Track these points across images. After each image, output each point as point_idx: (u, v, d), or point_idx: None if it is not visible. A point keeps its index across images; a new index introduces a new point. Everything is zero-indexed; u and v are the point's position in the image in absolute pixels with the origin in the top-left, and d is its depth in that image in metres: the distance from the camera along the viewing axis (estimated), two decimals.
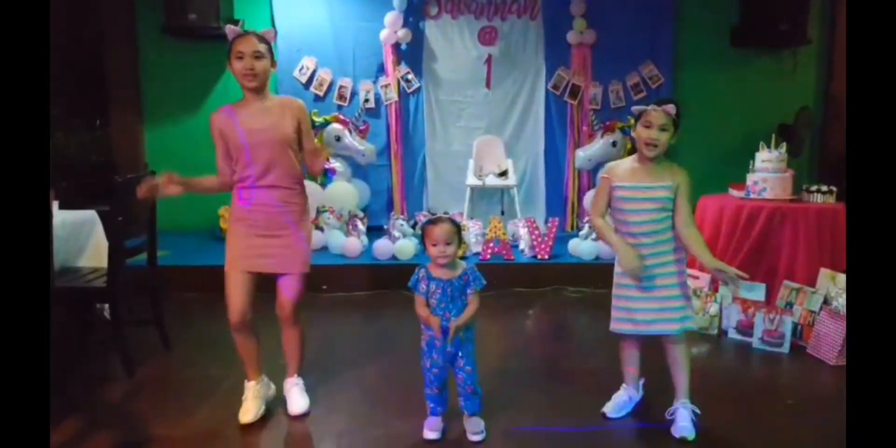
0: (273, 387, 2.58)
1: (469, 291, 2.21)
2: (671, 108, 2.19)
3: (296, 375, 2.56)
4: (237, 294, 2.36)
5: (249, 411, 2.41)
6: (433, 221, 2.20)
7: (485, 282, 2.24)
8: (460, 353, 2.24)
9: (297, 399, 2.50)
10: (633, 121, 2.33)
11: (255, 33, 2.32)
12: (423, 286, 2.23)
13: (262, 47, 2.27)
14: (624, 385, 2.52)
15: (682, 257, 2.30)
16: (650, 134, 2.17)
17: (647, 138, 2.18)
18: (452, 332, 2.17)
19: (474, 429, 2.29)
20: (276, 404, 2.55)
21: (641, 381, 2.56)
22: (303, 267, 2.40)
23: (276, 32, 2.98)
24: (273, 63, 2.34)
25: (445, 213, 2.44)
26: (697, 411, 2.35)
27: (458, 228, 2.22)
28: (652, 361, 2.50)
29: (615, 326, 2.36)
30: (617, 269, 2.33)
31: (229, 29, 2.32)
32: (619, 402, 2.49)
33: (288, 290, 2.40)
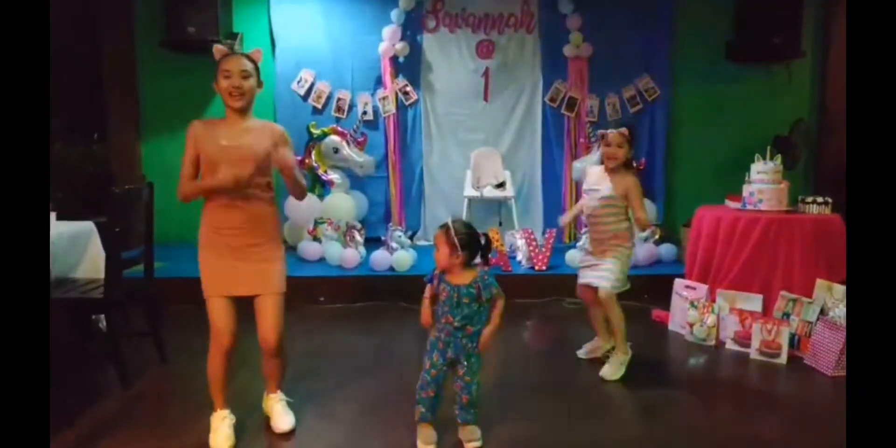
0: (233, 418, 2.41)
1: (487, 301, 2.23)
2: (624, 130, 2.94)
3: (278, 391, 2.50)
4: (222, 318, 2.26)
5: (227, 437, 2.30)
6: (439, 227, 2.26)
7: (495, 289, 2.25)
8: (464, 362, 2.24)
9: (282, 416, 2.44)
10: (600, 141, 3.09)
11: (242, 53, 2.32)
12: (435, 283, 2.26)
13: (249, 67, 2.26)
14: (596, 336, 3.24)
15: (620, 243, 3.01)
16: (609, 150, 2.96)
17: (607, 153, 2.97)
18: (485, 342, 2.25)
19: (469, 436, 2.29)
20: (264, 420, 2.52)
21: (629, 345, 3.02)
22: (280, 286, 2.33)
23: (275, 46, 2.97)
24: (259, 83, 2.31)
25: (456, 220, 2.31)
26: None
27: (448, 236, 2.19)
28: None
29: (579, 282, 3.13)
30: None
31: (216, 49, 2.31)
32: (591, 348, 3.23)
33: (268, 314, 2.30)
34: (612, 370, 2.94)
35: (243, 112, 2.30)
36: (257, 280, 2.29)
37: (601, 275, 2.96)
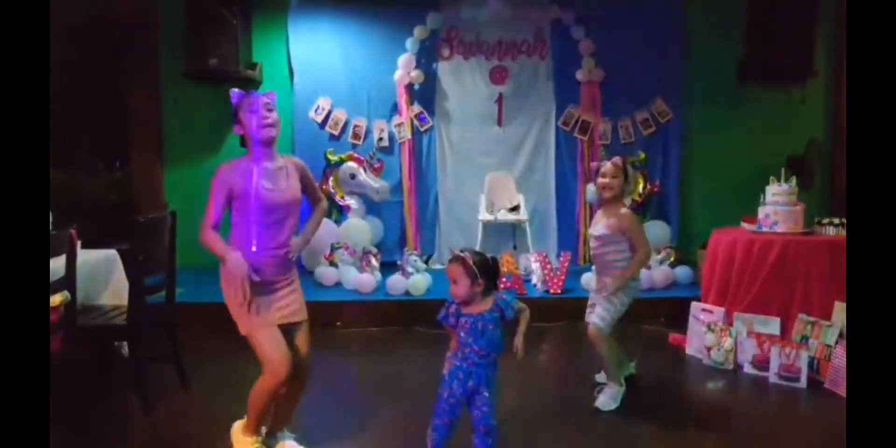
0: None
1: (509, 317, 2.24)
2: (618, 160, 2.96)
3: (286, 428, 2.47)
4: (279, 348, 2.23)
5: None
6: (450, 260, 2.24)
7: (516, 305, 2.25)
8: (483, 393, 2.23)
9: None
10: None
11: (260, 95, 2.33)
12: (451, 320, 2.24)
13: (271, 102, 2.30)
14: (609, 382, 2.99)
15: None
16: (603, 181, 2.95)
17: (601, 184, 2.96)
18: (521, 348, 2.28)
19: None
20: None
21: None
22: (306, 313, 2.39)
23: (293, 75, 3.03)
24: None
25: (463, 250, 2.31)
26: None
27: (467, 267, 2.19)
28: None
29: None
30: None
31: (234, 93, 2.32)
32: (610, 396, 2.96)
33: (306, 340, 2.36)
34: (605, 401, 2.91)
35: (271, 146, 2.30)
36: (296, 306, 2.34)
37: (597, 313, 2.96)
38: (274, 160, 2.30)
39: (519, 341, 2.28)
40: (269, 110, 2.27)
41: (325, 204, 2.54)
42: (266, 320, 2.25)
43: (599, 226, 2.97)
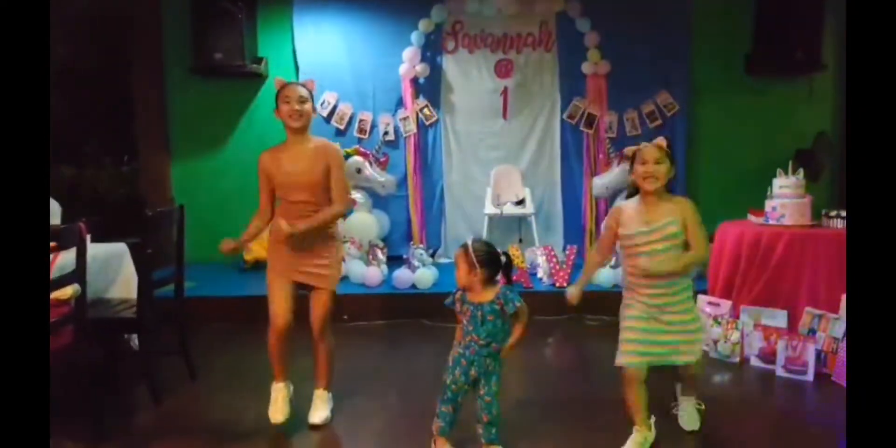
0: (291, 388, 2.73)
1: (511, 316, 2.26)
2: (661, 141, 2.33)
3: (322, 388, 2.73)
4: (280, 298, 2.56)
5: (280, 411, 2.60)
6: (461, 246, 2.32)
7: (518, 303, 2.26)
8: (483, 382, 2.27)
9: (319, 410, 2.67)
10: (629, 163, 2.40)
11: (299, 83, 2.64)
12: (457, 306, 2.33)
13: (305, 93, 2.56)
14: (636, 427, 2.38)
15: (692, 285, 2.41)
16: (647, 168, 2.29)
17: (644, 173, 2.30)
18: (506, 353, 2.30)
19: None
20: (294, 429, 2.58)
21: (652, 419, 2.44)
22: (332, 284, 2.63)
23: (298, 70, 3.15)
24: (314, 108, 2.62)
25: (478, 239, 2.38)
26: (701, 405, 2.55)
27: (466, 254, 2.26)
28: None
29: (627, 360, 2.34)
30: (628, 301, 2.40)
31: (277, 80, 2.63)
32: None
33: (319, 306, 2.63)
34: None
35: (302, 133, 2.58)
36: (316, 274, 2.60)
37: (688, 349, 2.33)
38: (304, 143, 2.58)
39: (510, 343, 2.31)
40: (302, 102, 2.53)
41: (338, 208, 2.60)
42: (278, 272, 2.58)
43: (663, 221, 2.28)
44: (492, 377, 2.28)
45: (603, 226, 2.41)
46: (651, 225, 2.30)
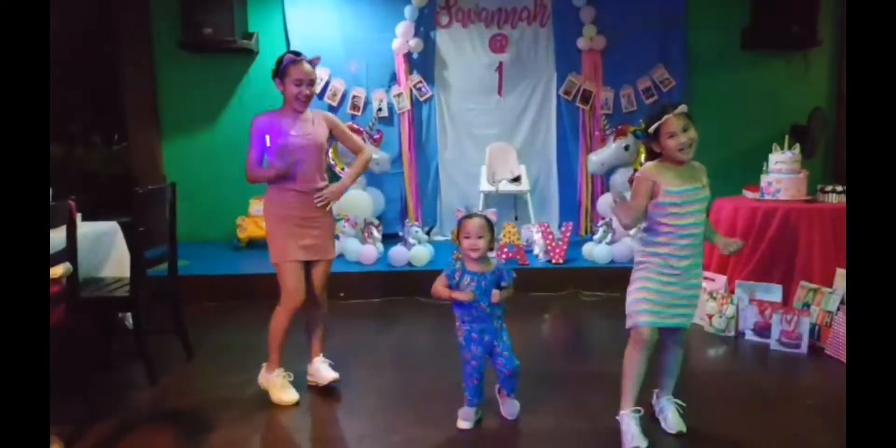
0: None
1: (503, 284, 2.37)
2: (684, 106, 2.25)
3: (321, 354, 2.81)
4: (296, 274, 2.61)
5: (292, 391, 2.64)
6: (468, 216, 2.37)
7: (514, 275, 2.40)
8: (496, 342, 2.38)
9: (329, 372, 2.76)
10: (648, 133, 2.26)
11: (308, 60, 2.59)
12: (456, 277, 2.36)
13: (314, 73, 2.59)
14: (624, 411, 2.33)
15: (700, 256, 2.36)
16: (680, 140, 2.19)
17: (679, 144, 2.19)
18: (497, 300, 2.34)
19: (510, 410, 2.46)
20: (299, 411, 2.59)
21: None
22: (333, 253, 2.75)
23: (289, 45, 3.13)
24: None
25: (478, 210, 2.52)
26: (682, 404, 2.45)
27: (490, 224, 2.36)
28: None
29: (644, 319, 2.25)
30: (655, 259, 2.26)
31: (287, 56, 2.58)
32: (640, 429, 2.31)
33: (321, 275, 2.72)
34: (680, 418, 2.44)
35: (302, 108, 2.63)
36: (320, 246, 2.68)
37: (688, 312, 2.32)
38: (303, 113, 2.62)
39: (497, 293, 2.35)
40: (312, 83, 2.57)
41: (367, 153, 2.79)
42: (290, 256, 2.61)
43: (700, 185, 2.25)
44: (502, 334, 2.40)
45: (633, 191, 2.28)
46: (694, 184, 2.24)
